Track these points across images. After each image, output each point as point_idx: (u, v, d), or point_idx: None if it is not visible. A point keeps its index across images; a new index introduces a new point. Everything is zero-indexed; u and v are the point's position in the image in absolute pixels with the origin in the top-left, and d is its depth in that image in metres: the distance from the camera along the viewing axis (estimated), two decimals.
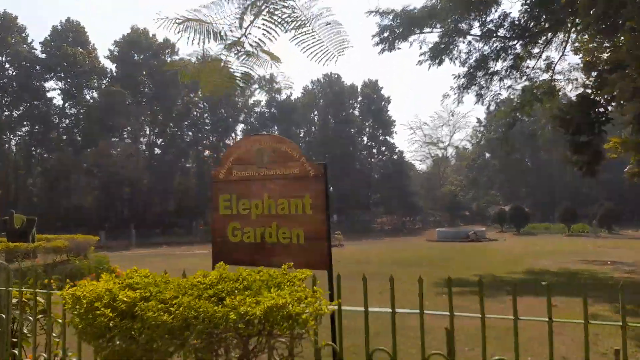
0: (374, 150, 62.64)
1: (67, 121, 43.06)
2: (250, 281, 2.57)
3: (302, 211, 4.53)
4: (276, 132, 57.93)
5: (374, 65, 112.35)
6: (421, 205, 65.47)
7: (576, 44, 19.43)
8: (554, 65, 20.23)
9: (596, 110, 8.26)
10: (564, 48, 19.29)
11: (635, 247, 22.74)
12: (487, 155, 71.26)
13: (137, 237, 34.71)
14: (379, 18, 20.25)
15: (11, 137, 42.26)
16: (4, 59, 40.53)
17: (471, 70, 19.41)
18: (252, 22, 3.80)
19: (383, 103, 62.13)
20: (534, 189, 61.45)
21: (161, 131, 46.86)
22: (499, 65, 19.11)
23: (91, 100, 43.59)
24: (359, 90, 61.83)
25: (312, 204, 4.52)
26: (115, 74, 45.23)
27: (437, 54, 20.64)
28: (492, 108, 21.33)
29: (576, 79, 22.30)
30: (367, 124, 61.30)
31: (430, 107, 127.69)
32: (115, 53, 46.06)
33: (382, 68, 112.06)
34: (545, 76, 20.81)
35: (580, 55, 19.93)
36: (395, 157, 60.99)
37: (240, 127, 55.21)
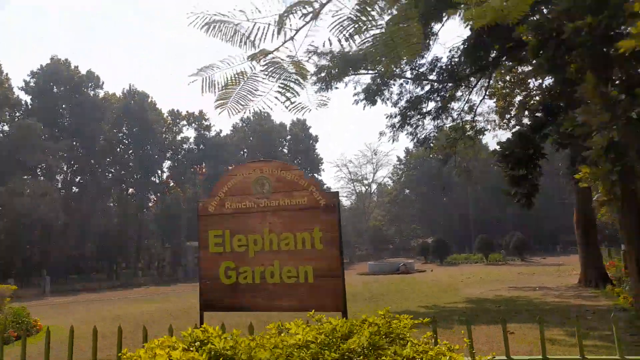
0: None
1: None
2: (367, 336, 2.02)
3: (311, 246, 4.09)
4: (204, 170, 56.98)
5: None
6: (348, 239, 66.96)
7: (490, 90, 22.03)
8: (475, 108, 22.59)
9: (533, 146, 9.52)
10: (485, 93, 21.70)
11: (550, 272, 25.18)
12: (407, 191, 75.31)
13: (51, 284, 31.78)
14: (316, 58, 21.39)
15: None
16: None
17: (405, 110, 21.00)
18: (307, 22, 2.94)
19: (311, 141, 63.99)
20: (451, 222, 65.60)
21: (80, 168, 44.05)
22: (430, 106, 20.97)
23: (1, 134, 40.10)
24: (287, 128, 63.16)
25: (322, 237, 4.07)
26: (30, 107, 42.22)
27: (371, 95, 22.14)
28: (422, 146, 22.97)
29: (494, 120, 25.04)
30: (295, 162, 62.37)
31: (355, 145, 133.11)
32: (31, 84, 43.15)
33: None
34: (468, 117, 23.16)
35: (494, 100, 22.53)
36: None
37: (167, 164, 53.61)
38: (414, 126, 22.82)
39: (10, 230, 36.49)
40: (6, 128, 41.08)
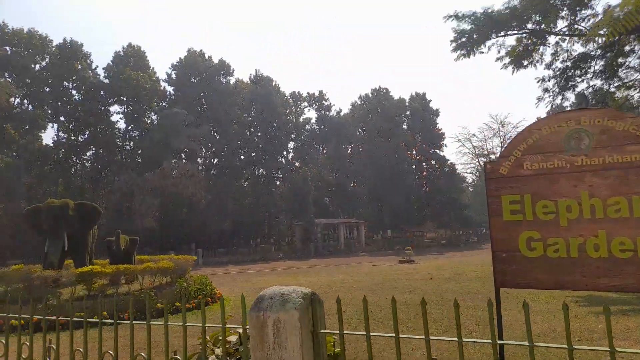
0: (424, 164, 61.40)
1: (131, 144, 44.33)
2: None
3: None
4: (324, 151, 57.92)
5: (421, 75, 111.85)
6: (474, 218, 63.44)
7: None
8: None
9: None
10: None
11: None
12: None
13: (202, 257, 34.90)
14: (455, 23, 19.66)
15: (77, 161, 43.75)
16: (70, 85, 42.28)
17: (568, 71, 18.46)
18: None
19: (432, 116, 61.21)
20: None
21: (217, 152, 47.52)
22: (598, 64, 18.10)
23: (152, 123, 44.76)
24: (407, 103, 61.11)
25: None
26: (173, 97, 46.44)
27: (518, 58, 19.84)
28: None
29: None
30: (416, 137, 60.30)
31: (479, 118, 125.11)
32: (172, 76, 47.36)
33: (429, 78, 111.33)
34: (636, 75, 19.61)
35: None
36: (447, 169, 59.50)
37: (291, 145, 55.45)
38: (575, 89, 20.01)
39: (163, 208, 40.76)
40: (154, 117, 45.77)
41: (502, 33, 20.00)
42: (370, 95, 60.11)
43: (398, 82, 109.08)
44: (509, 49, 20.40)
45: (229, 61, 49.18)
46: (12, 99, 38.41)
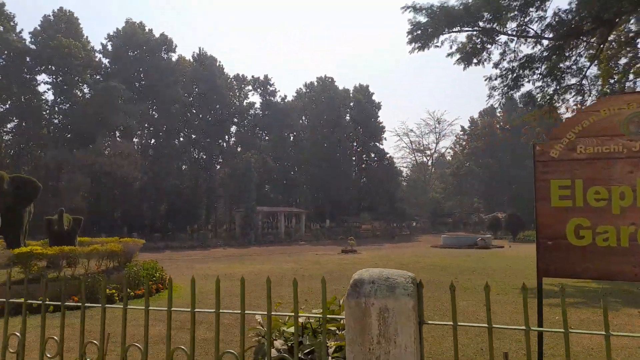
0: (364, 156, 62.67)
1: (60, 117, 40.85)
2: None
3: None
4: (266, 138, 57.17)
5: (365, 67, 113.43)
6: (409, 211, 65.97)
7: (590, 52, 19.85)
8: (585, 70, 20.64)
9: None
10: (597, 51, 19.65)
11: None
12: (469, 163, 72.80)
13: None
14: (412, 15, 20.09)
15: None
16: None
17: (511, 71, 19.52)
18: None
19: (374, 108, 62.45)
20: (519, 197, 63.07)
21: (155, 131, 45.21)
22: (543, 67, 19.31)
23: (84, 96, 41.55)
24: (351, 94, 61.83)
25: None
26: (109, 70, 43.37)
27: (468, 55, 20.71)
28: (527, 106, 21.42)
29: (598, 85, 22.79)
30: (358, 129, 61.27)
31: (417, 113, 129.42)
32: (108, 48, 44.19)
33: (371, 70, 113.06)
34: (574, 80, 21.20)
35: (596, 62, 20.35)
36: (386, 163, 61.20)
37: (233, 129, 54.13)
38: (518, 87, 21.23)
39: (94, 188, 38.24)
40: (86, 90, 42.53)
41: (455, 29, 20.68)
42: (315, 83, 60.10)
43: (343, 72, 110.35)
44: (460, 45, 21.23)
45: (170, 36, 46.73)
46: None
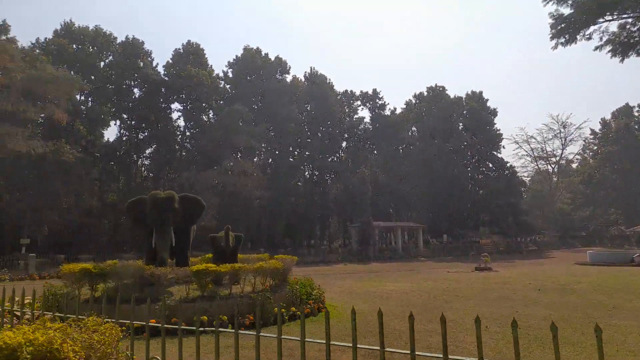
0: (481, 167, 58.89)
1: (191, 141, 44.36)
2: None
3: None
4: (375, 152, 56.39)
5: (477, 73, 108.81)
6: (533, 225, 60.34)
7: None
8: None
9: None
10: None
11: None
12: (601, 170, 64.67)
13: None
14: (554, 7, 17.99)
15: (136, 158, 44.13)
16: (132, 82, 42.68)
17: None
18: None
19: (489, 115, 58.66)
20: None
21: (273, 150, 46.96)
22: None
23: (210, 120, 44.68)
24: (463, 102, 58.82)
25: None
26: (230, 95, 46.21)
27: (626, 45, 17.96)
28: None
29: None
30: (473, 138, 57.89)
31: (538, 119, 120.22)
32: (228, 74, 47.17)
33: (485, 77, 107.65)
34: None
35: None
36: (506, 172, 56.79)
37: (343, 144, 54.33)
38: None
39: (221, 207, 40.40)
40: (211, 115, 45.64)
41: (607, 17, 18.22)
42: (425, 93, 58.25)
43: (453, 80, 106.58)
44: (611, 35, 18.61)
45: (285, 58, 48.54)
46: (79, 95, 39.04)
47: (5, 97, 29.47)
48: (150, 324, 3.18)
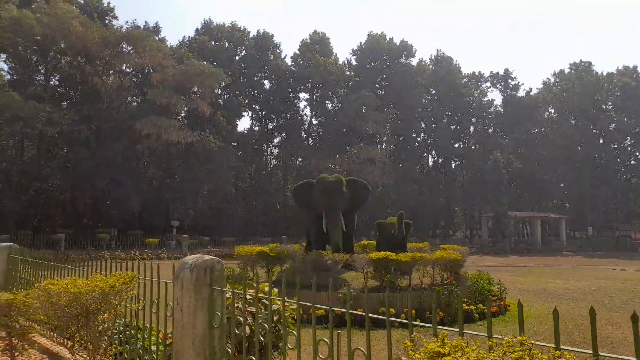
0: (635, 151, 51.15)
1: (318, 129, 45.18)
2: None
3: None
4: (506, 138, 51.92)
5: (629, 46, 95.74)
6: None
7: None
8: None
9: None
10: None
11: None
12: None
13: None
14: None
15: (265, 147, 46.15)
16: (263, 74, 44.53)
17: None
18: None
19: None
20: None
21: (397, 136, 45.80)
22: None
23: (335, 108, 44.93)
24: (614, 79, 51.36)
25: None
26: (353, 82, 45.95)
27: None
28: None
29: None
30: (626, 120, 50.40)
31: None
32: (352, 62, 46.88)
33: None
34: None
35: None
36: None
37: (471, 129, 51.04)
38: None
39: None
40: (337, 103, 45.80)
41: None
42: (567, 71, 52.08)
43: (600, 55, 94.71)
44: None
45: (410, 42, 46.73)
46: (217, 89, 41.84)
47: (160, 92, 32.56)
48: (334, 309, 2.51)
